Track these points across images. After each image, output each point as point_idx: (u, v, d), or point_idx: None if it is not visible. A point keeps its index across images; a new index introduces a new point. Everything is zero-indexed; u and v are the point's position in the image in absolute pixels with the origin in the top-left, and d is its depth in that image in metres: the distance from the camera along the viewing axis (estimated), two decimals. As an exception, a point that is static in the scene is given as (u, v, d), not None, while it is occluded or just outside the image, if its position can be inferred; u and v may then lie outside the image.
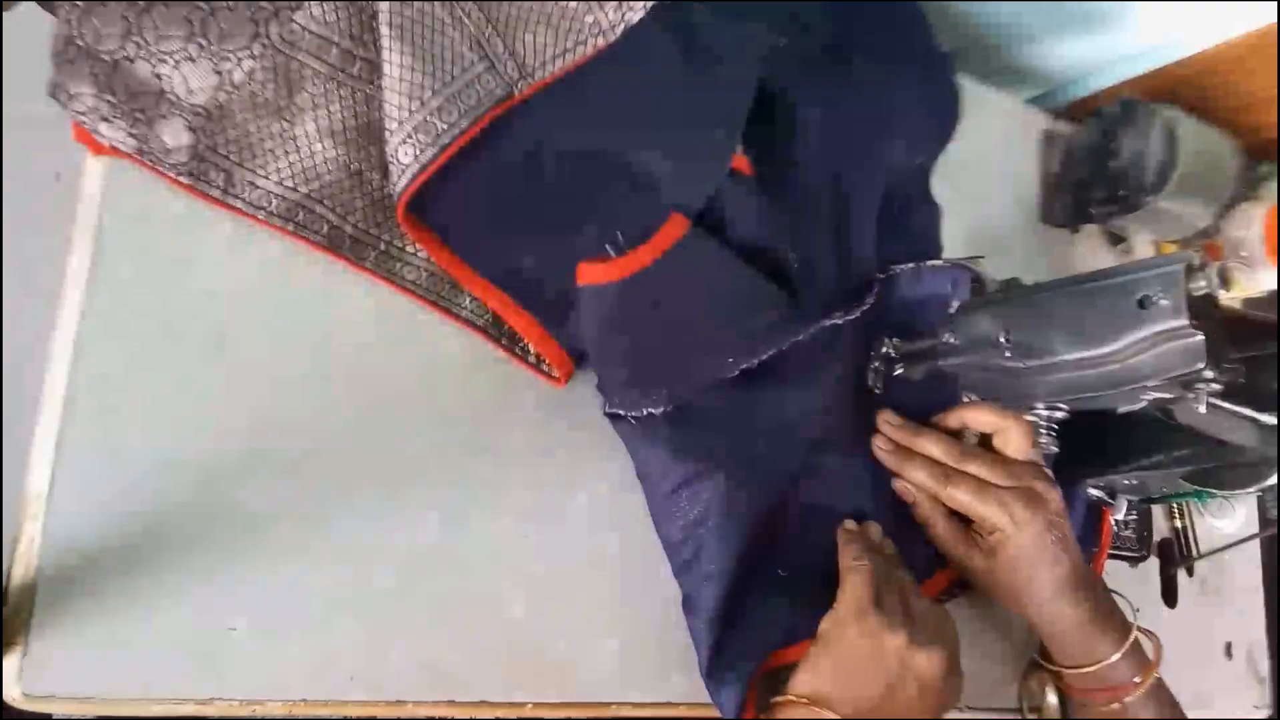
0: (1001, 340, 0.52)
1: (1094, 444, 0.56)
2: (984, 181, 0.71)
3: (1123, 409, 0.50)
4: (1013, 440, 0.52)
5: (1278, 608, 0.77)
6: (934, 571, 0.55)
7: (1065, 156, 0.74)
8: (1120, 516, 0.64)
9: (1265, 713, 0.72)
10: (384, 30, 0.45)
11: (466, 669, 0.46)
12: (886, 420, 0.56)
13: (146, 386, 0.43)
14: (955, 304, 0.57)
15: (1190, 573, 0.72)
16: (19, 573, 0.40)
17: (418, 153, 0.45)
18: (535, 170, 0.49)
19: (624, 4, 0.47)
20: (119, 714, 0.40)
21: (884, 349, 0.57)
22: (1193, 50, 0.70)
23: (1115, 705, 0.50)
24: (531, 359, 0.51)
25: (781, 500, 0.53)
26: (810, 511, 0.53)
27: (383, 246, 0.49)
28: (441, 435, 0.48)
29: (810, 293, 0.52)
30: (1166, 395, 0.48)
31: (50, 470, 0.41)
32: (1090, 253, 0.77)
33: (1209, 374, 0.45)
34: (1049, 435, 0.53)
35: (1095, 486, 0.61)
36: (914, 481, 0.54)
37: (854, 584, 0.47)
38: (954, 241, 0.64)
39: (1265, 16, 0.64)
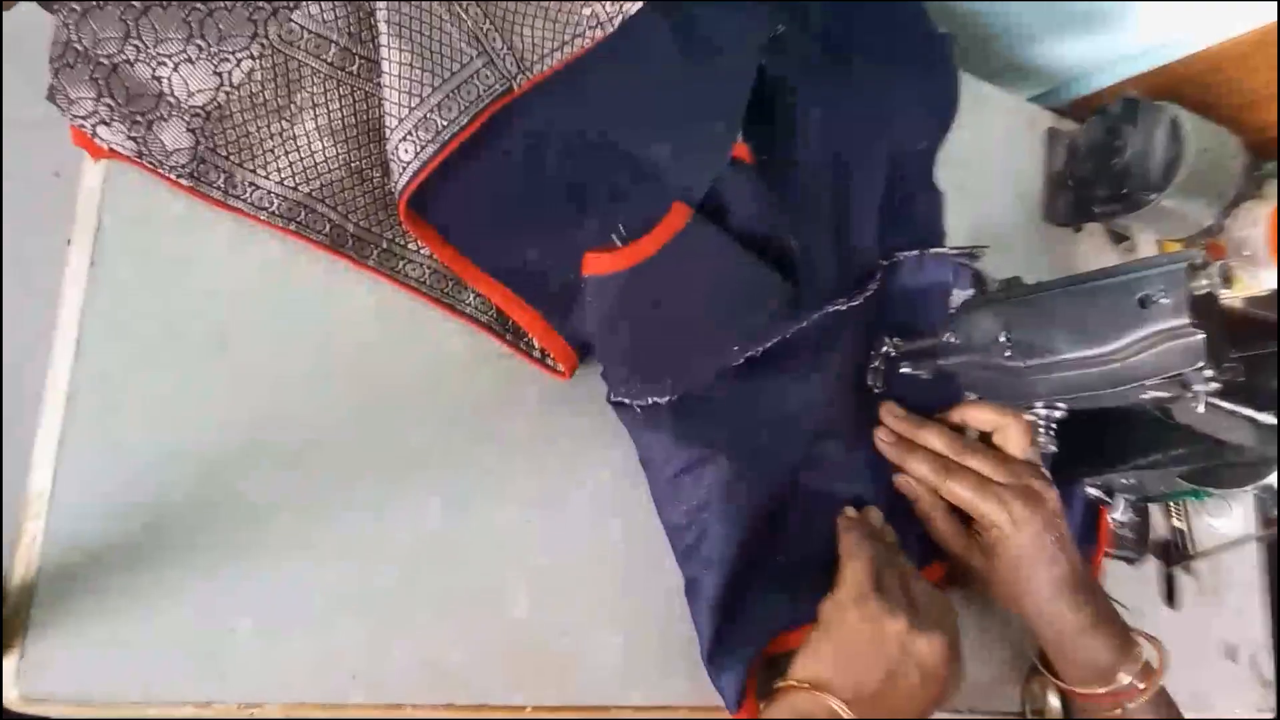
0: (1002, 339, 0.52)
1: (1092, 443, 0.56)
2: (986, 179, 0.71)
3: (1111, 405, 0.50)
4: (1013, 437, 0.52)
5: (1278, 608, 0.77)
6: (929, 563, 0.56)
7: (1069, 154, 0.74)
8: (1118, 516, 0.64)
9: (1268, 715, 0.72)
10: (382, 28, 0.45)
11: (468, 667, 0.46)
12: (890, 412, 0.56)
13: (148, 386, 0.43)
14: (956, 293, 0.57)
15: (1189, 572, 0.72)
16: (19, 572, 0.40)
17: (419, 149, 0.45)
18: (536, 164, 0.49)
19: (622, -2, 0.47)
20: (119, 716, 0.40)
21: (884, 348, 0.57)
22: (1195, 49, 0.70)
23: (1118, 710, 0.50)
24: (536, 354, 0.51)
25: (784, 490, 0.53)
26: (812, 500, 0.54)
27: (385, 244, 0.49)
28: (445, 427, 0.48)
29: (811, 282, 0.53)
30: (1166, 394, 0.48)
31: (52, 470, 0.41)
32: (1093, 251, 0.77)
33: (1209, 373, 0.45)
34: (1047, 435, 0.53)
35: (1093, 486, 0.61)
36: (915, 474, 0.54)
37: (854, 569, 0.47)
38: (956, 239, 0.65)
39: (1267, 15, 0.64)
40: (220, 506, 0.43)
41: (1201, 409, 0.46)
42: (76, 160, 0.45)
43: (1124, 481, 0.61)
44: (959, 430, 0.55)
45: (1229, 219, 0.72)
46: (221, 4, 0.45)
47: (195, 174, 0.45)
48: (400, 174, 0.45)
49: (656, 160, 0.49)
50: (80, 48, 0.43)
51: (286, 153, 0.47)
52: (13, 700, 0.39)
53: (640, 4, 0.48)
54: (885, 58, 0.59)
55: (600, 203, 0.49)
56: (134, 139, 0.44)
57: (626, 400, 0.50)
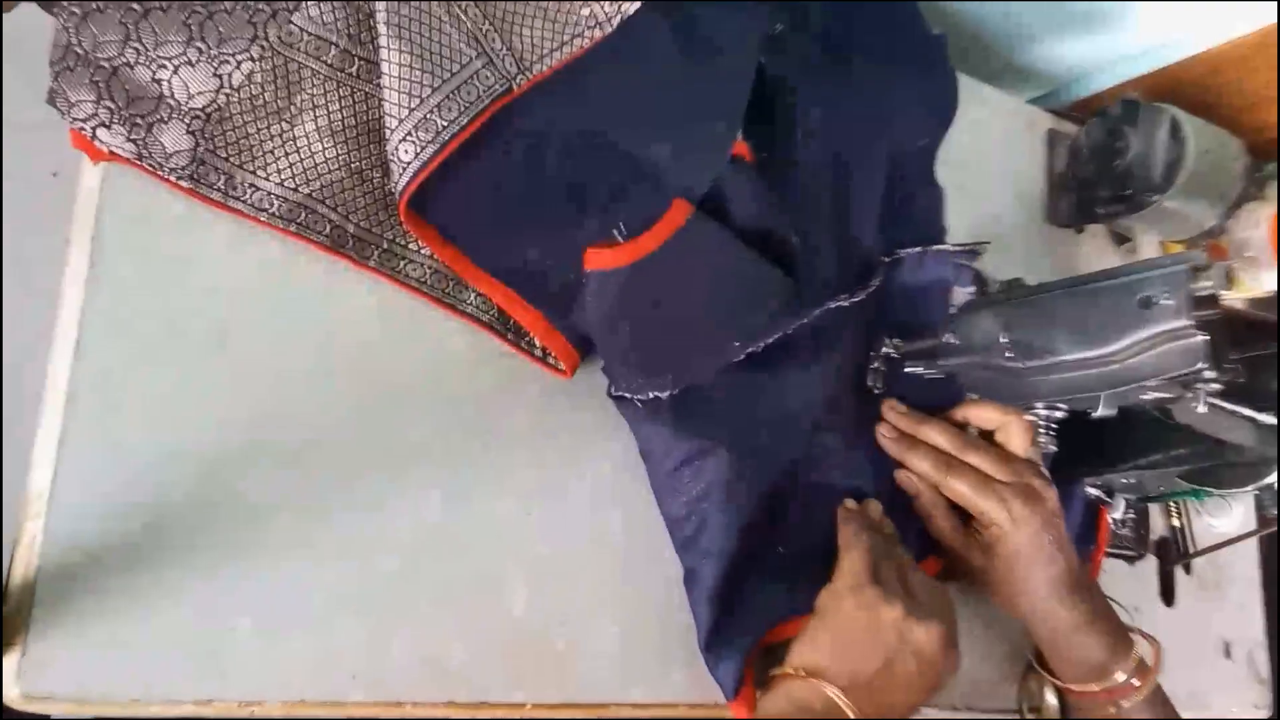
0: (1002, 340, 0.52)
1: (1092, 443, 0.56)
2: (988, 181, 0.71)
3: (1101, 413, 0.50)
4: (1015, 436, 0.52)
5: (1278, 607, 0.77)
6: (926, 558, 0.56)
7: (1071, 156, 0.74)
8: (1118, 515, 0.64)
9: (1265, 713, 0.72)
10: (382, 29, 0.45)
11: (468, 664, 0.46)
12: (892, 407, 0.56)
13: (148, 385, 0.43)
14: (958, 291, 0.57)
15: (1188, 571, 0.72)
16: (19, 572, 0.40)
17: (419, 150, 0.45)
18: (536, 164, 0.49)
19: (620, -2, 0.47)
20: (118, 715, 0.40)
21: (884, 349, 0.57)
22: (1195, 50, 0.70)
23: (1112, 709, 0.50)
24: (538, 353, 0.51)
25: (783, 482, 0.53)
26: (812, 492, 0.54)
27: (386, 244, 0.49)
28: (446, 423, 0.48)
29: (812, 279, 0.53)
30: (1166, 395, 0.48)
31: (52, 469, 0.41)
32: (1095, 252, 0.76)
33: (1209, 374, 0.45)
34: (1048, 435, 0.54)
35: (1093, 486, 0.61)
36: (916, 470, 0.54)
37: (852, 558, 0.47)
38: (957, 241, 0.64)
39: (1267, 16, 0.64)
40: (220, 506, 0.43)
41: (1202, 409, 0.46)
42: (76, 161, 0.45)
43: (1124, 481, 0.61)
44: (961, 427, 0.55)
45: (1231, 220, 0.72)
46: (221, 7, 0.45)
47: (195, 176, 0.45)
48: (400, 174, 0.45)
49: (657, 160, 0.49)
50: (80, 51, 0.43)
51: (286, 154, 0.47)
52: (14, 699, 0.39)
53: (639, 4, 0.48)
54: (885, 57, 0.59)
55: (600, 202, 0.49)
56: (134, 141, 0.44)
57: (627, 394, 0.50)
